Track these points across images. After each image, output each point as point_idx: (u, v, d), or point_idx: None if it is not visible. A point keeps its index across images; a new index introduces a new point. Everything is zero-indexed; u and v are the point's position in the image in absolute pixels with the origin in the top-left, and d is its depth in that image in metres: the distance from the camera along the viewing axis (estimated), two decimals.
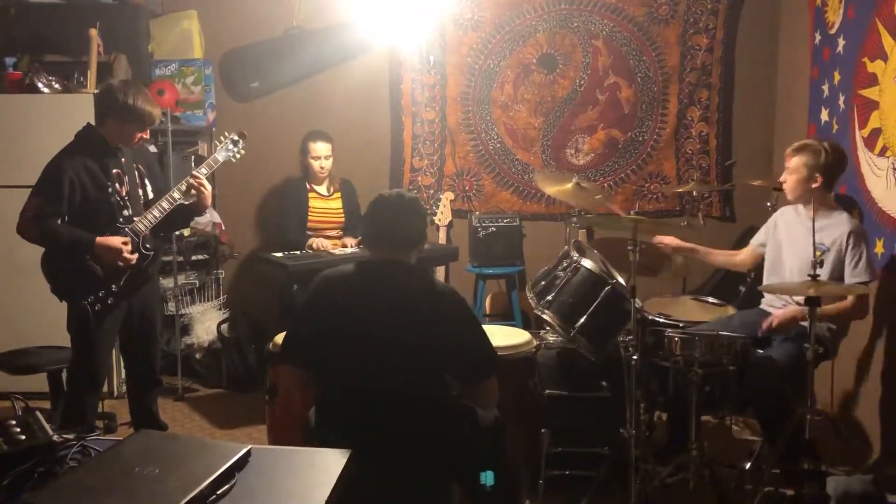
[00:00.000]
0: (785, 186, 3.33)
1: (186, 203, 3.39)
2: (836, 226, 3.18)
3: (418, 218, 2.54)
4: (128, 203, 3.27)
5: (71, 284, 3.21)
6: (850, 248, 3.13)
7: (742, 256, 3.66)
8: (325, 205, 4.58)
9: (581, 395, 3.25)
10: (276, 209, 4.94)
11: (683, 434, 3.02)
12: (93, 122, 3.32)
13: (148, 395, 3.56)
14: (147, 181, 3.40)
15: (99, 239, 3.13)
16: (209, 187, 3.39)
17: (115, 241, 3.16)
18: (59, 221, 3.16)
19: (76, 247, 3.13)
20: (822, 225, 3.11)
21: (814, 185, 3.22)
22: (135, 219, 3.26)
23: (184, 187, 3.31)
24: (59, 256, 3.18)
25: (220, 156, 3.48)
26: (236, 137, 3.52)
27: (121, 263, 3.18)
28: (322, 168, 4.52)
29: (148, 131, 3.34)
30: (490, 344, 2.48)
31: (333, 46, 4.97)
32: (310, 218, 4.53)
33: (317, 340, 2.46)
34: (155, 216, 3.27)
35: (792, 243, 3.35)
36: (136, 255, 3.21)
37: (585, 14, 4.94)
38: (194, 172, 3.36)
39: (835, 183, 3.32)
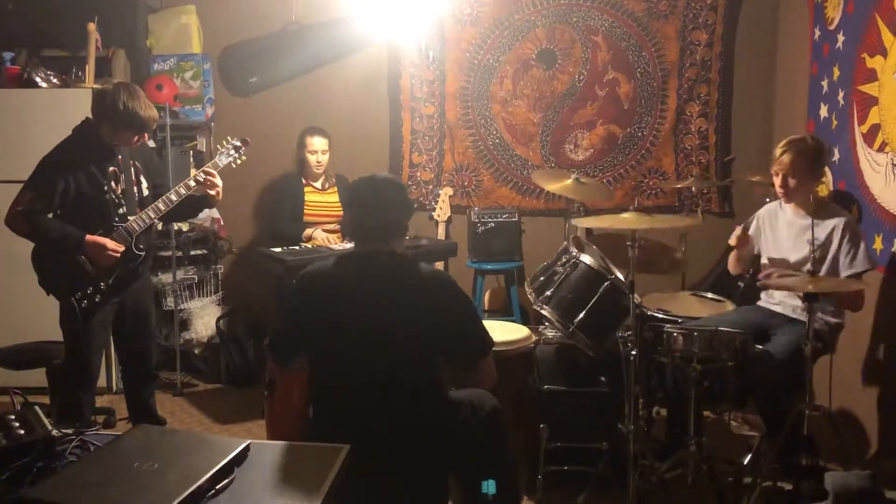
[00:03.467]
0: (779, 190, 3.29)
1: (197, 195, 3.40)
2: (830, 219, 3.18)
3: (395, 202, 2.46)
4: (123, 201, 3.26)
5: (58, 279, 3.20)
6: (844, 240, 3.13)
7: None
8: (321, 198, 4.58)
9: (580, 390, 3.25)
10: (271, 205, 4.94)
11: (682, 429, 3.03)
12: (91, 121, 3.31)
13: (144, 390, 3.56)
14: (143, 178, 3.39)
15: (88, 237, 3.12)
16: (220, 182, 3.39)
17: (103, 238, 3.15)
18: (51, 215, 3.15)
19: (65, 243, 3.12)
20: (816, 220, 3.12)
21: (802, 181, 3.20)
22: (129, 217, 3.25)
23: (182, 191, 3.30)
24: (49, 251, 3.18)
25: (221, 161, 3.47)
26: (238, 143, 3.51)
27: (108, 261, 3.17)
28: (318, 162, 4.52)
29: (146, 135, 3.33)
30: (481, 324, 2.48)
31: (332, 42, 4.96)
32: (306, 211, 4.53)
33: (306, 335, 2.46)
34: (150, 216, 3.26)
35: (783, 239, 3.35)
36: (121, 249, 3.19)
37: (584, 9, 4.93)
38: (206, 168, 3.36)
39: (821, 176, 3.31)
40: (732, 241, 3.50)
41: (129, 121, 3.17)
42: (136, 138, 3.27)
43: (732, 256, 3.61)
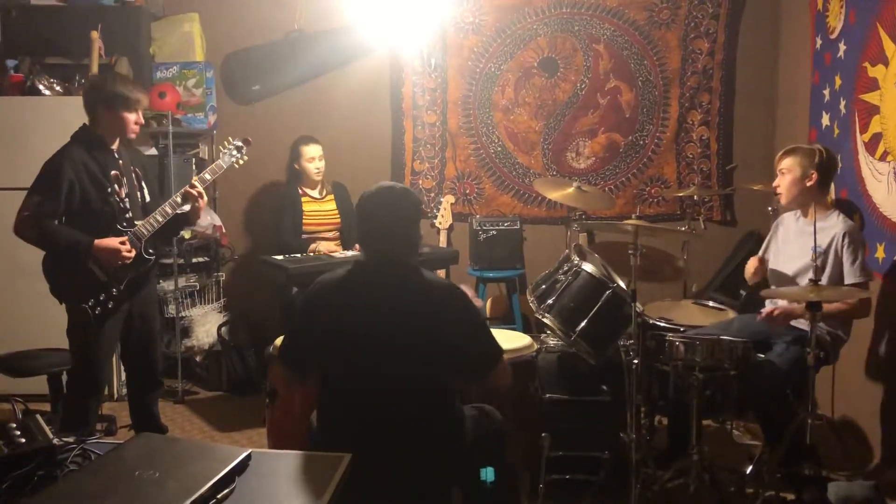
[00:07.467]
0: (779, 190, 3.33)
1: (181, 212, 3.37)
2: (832, 227, 3.19)
3: (412, 215, 2.45)
4: (127, 206, 3.26)
5: (72, 287, 3.19)
6: (845, 248, 3.13)
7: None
8: (318, 207, 4.58)
9: (582, 399, 3.24)
10: (272, 213, 4.95)
11: (684, 438, 3.02)
12: (88, 124, 3.30)
13: (149, 397, 3.55)
14: (144, 184, 3.40)
15: (97, 241, 3.12)
16: (206, 198, 3.38)
17: (113, 241, 3.14)
18: (57, 222, 3.14)
19: (74, 249, 3.11)
20: (819, 227, 3.11)
21: (808, 184, 3.23)
22: (137, 222, 3.25)
23: (182, 195, 3.30)
24: (61, 258, 3.17)
25: (224, 161, 3.47)
26: (240, 143, 3.51)
27: (120, 263, 3.17)
28: (318, 170, 4.53)
29: (141, 115, 3.29)
30: (491, 335, 2.45)
31: (334, 49, 4.98)
32: (305, 221, 4.53)
33: (315, 346, 2.45)
34: (158, 220, 3.25)
35: (789, 247, 3.35)
36: (133, 252, 3.18)
37: (586, 18, 4.95)
38: (193, 181, 3.34)
39: (829, 184, 3.32)
40: (749, 277, 3.55)
41: (119, 96, 3.17)
42: (132, 120, 3.24)
43: (750, 264, 3.61)
